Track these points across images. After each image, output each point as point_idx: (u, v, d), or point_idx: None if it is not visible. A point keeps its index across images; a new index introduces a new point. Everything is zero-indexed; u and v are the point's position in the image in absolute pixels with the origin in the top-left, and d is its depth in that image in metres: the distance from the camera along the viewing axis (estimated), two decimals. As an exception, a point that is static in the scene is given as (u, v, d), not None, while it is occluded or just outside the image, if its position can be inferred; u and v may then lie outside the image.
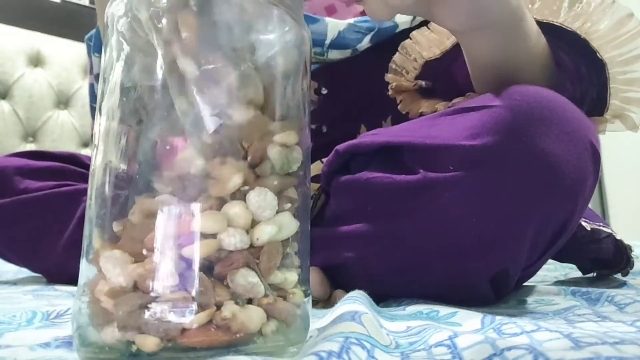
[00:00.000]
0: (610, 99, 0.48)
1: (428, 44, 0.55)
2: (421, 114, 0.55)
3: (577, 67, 0.49)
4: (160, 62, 0.25)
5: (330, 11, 0.67)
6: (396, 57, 0.58)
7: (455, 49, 0.52)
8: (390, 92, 0.59)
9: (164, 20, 0.26)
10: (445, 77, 0.56)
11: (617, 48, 0.47)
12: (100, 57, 0.28)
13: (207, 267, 0.24)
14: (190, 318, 0.23)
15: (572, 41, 0.48)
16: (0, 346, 0.28)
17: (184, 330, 0.23)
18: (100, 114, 0.27)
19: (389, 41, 0.60)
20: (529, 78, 0.46)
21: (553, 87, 0.45)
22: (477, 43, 0.46)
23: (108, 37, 0.28)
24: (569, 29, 0.47)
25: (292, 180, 0.27)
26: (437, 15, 0.42)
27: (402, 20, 0.62)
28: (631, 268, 0.58)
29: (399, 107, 0.58)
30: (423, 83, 0.56)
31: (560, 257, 0.61)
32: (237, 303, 0.24)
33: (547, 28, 0.48)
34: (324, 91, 0.68)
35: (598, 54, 0.47)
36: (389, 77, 0.59)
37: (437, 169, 0.40)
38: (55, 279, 0.66)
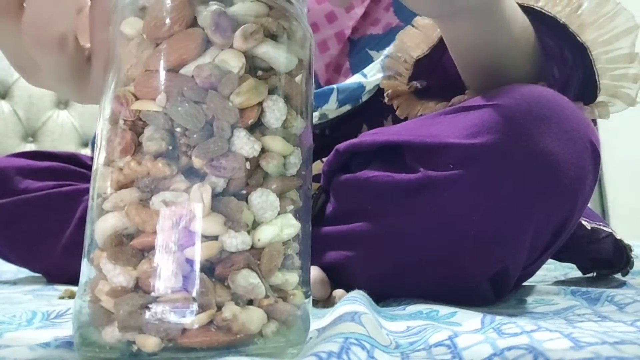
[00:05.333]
0: (599, 79, 0.47)
1: (415, 42, 0.55)
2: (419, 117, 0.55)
3: (561, 51, 0.49)
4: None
5: (331, 19, 0.67)
6: (387, 62, 0.58)
7: (443, 41, 0.51)
8: (386, 100, 0.59)
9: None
10: (439, 71, 0.55)
11: (597, 30, 0.46)
12: None
13: (208, 268, 0.24)
14: (190, 318, 0.23)
15: (552, 25, 0.47)
16: (0, 346, 0.28)
17: (184, 330, 0.23)
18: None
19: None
20: (513, 64, 0.46)
21: (540, 74, 0.45)
22: (455, 28, 0.45)
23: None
24: (549, 14, 0.47)
25: (294, 182, 0.27)
26: (409, 1, 0.41)
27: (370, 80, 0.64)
28: (631, 268, 0.58)
29: (396, 113, 0.58)
30: (418, 84, 0.56)
31: (560, 257, 0.61)
32: (237, 304, 0.24)
33: (528, 12, 0.47)
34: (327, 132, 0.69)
35: (578, 38, 0.46)
36: (383, 83, 0.59)
37: (437, 167, 0.40)
38: (55, 279, 0.66)
